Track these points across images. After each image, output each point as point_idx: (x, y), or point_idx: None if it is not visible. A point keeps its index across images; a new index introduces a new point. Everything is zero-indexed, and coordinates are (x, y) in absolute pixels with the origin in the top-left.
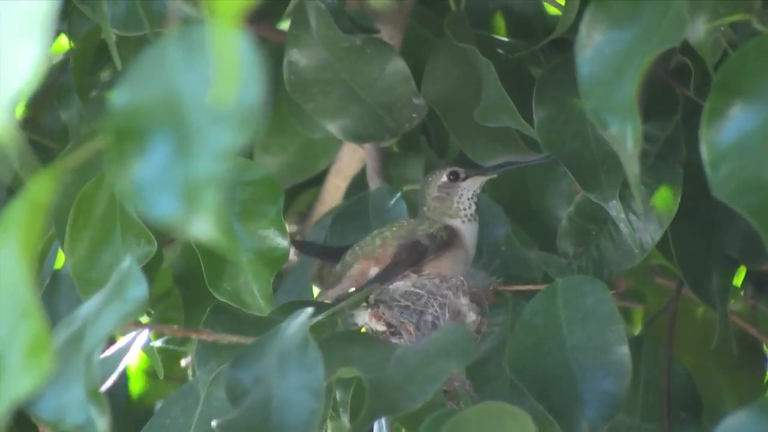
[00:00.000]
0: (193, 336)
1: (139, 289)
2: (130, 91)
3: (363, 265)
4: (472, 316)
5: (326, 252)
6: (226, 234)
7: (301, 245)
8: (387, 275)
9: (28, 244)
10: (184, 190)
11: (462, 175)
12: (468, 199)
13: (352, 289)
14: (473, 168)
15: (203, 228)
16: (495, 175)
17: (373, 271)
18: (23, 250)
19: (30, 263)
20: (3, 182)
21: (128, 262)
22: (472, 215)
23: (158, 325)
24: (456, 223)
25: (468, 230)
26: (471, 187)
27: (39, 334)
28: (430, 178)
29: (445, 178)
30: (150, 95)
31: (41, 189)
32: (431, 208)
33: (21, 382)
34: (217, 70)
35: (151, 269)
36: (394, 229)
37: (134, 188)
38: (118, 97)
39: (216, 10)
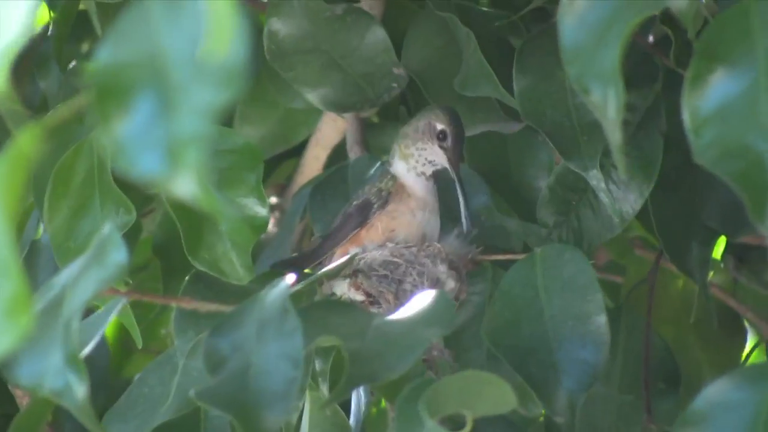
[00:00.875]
0: (172, 304)
1: (119, 255)
2: (114, 49)
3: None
4: (450, 284)
5: (312, 256)
6: (207, 192)
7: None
8: (335, 236)
9: (9, 201)
10: (167, 148)
11: (444, 143)
12: (426, 159)
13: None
14: (456, 157)
15: (186, 186)
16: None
17: (352, 249)
18: (5, 207)
19: (11, 221)
20: None
21: (108, 228)
22: (422, 173)
23: (136, 292)
24: (401, 168)
25: (415, 182)
26: (437, 158)
27: (19, 293)
28: (430, 110)
29: (438, 127)
30: (133, 52)
31: (24, 145)
32: (403, 136)
33: (0, 340)
34: (208, 26)
35: (130, 239)
36: (354, 198)
37: (118, 146)
38: (102, 55)
39: None
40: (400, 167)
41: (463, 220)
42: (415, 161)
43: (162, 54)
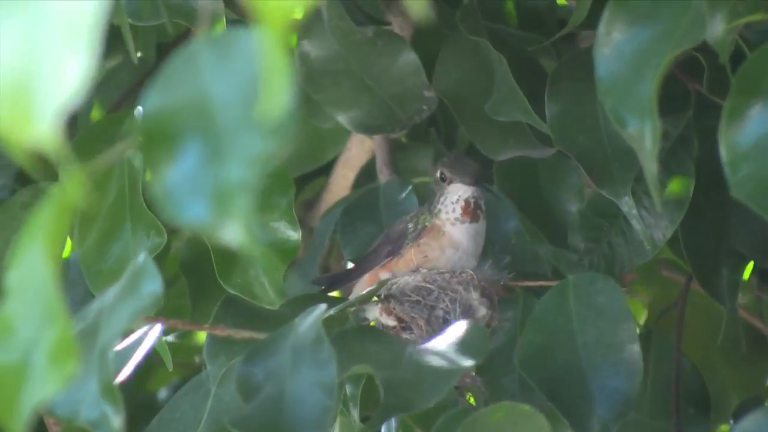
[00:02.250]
0: (208, 331)
1: (154, 284)
2: (162, 94)
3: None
4: (482, 311)
5: (347, 277)
6: (253, 241)
7: (321, 282)
8: (369, 261)
9: (54, 246)
10: (214, 196)
11: (447, 179)
12: (452, 203)
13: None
14: (461, 173)
15: (232, 234)
16: (483, 187)
17: (382, 275)
18: (50, 252)
19: (56, 266)
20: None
21: (143, 257)
22: (456, 218)
23: (171, 319)
24: (437, 222)
25: (457, 233)
26: (456, 191)
27: (65, 338)
28: (432, 167)
29: (438, 174)
30: (181, 99)
31: (70, 191)
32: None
33: (45, 385)
34: (265, 79)
35: (158, 258)
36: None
37: (165, 192)
38: (150, 100)
39: (264, 17)
40: (437, 223)
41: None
42: (446, 211)
43: (210, 100)
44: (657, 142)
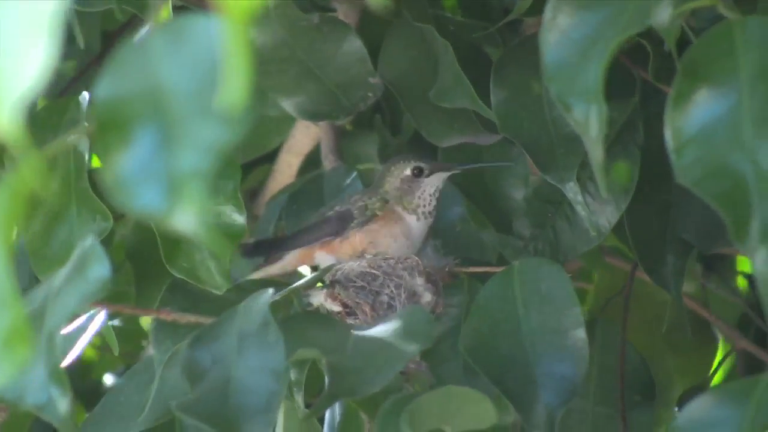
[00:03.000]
0: (152, 315)
1: (101, 269)
2: (114, 82)
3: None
4: (427, 297)
5: (276, 245)
6: (207, 228)
7: (248, 248)
8: (307, 235)
9: (7, 232)
10: (168, 183)
11: (426, 172)
12: (430, 194)
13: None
14: (435, 163)
15: (185, 222)
16: (458, 171)
17: (319, 254)
18: (2, 238)
19: (9, 252)
20: None
21: (90, 241)
22: (430, 212)
23: (116, 304)
24: (409, 218)
25: (418, 226)
26: (434, 183)
27: (18, 324)
28: (393, 168)
29: (408, 172)
30: (134, 87)
31: (24, 179)
32: (391, 196)
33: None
34: (227, 68)
35: (103, 243)
36: (336, 207)
37: (118, 180)
38: (102, 88)
39: (227, 9)
40: (409, 218)
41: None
42: (423, 204)
43: (164, 88)
44: (603, 127)
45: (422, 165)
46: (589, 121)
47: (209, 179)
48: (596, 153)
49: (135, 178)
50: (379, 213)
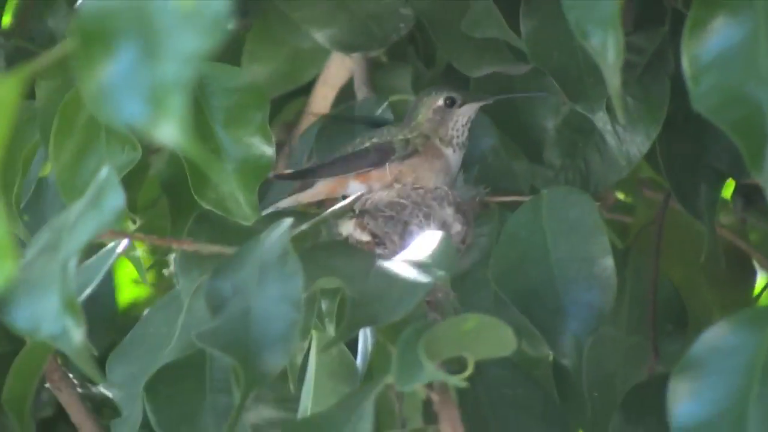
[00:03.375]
0: (174, 245)
1: (116, 199)
2: None
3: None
4: (457, 227)
5: (312, 173)
6: (192, 139)
7: (283, 177)
8: (343, 164)
9: None
10: (150, 94)
11: (458, 102)
12: (462, 125)
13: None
14: (467, 93)
15: (169, 132)
16: (490, 101)
17: (353, 184)
18: None
19: None
20: None
21: (106, 171)
22: (463, 143)
23: (138, 234)
24: (447, 151)
25: (454, 158)
26: (466, 113)
27: (3, 235)
28: (425, 98)
29: (441, 102)
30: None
31: (9, 90)
32: (426, 129)
33: None
34: None
35: (136, 177)
36: (374, 140)
37: (101, 92)
38: (86, 1)
39: None
40: (445, 149)
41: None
42: (457, 135)
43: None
44: (620, 55)
45: (454, 95)
46: (607, 48)
47: (189, 89)
48: (613, 80)
49: (118, 90)
50: (420, 149)
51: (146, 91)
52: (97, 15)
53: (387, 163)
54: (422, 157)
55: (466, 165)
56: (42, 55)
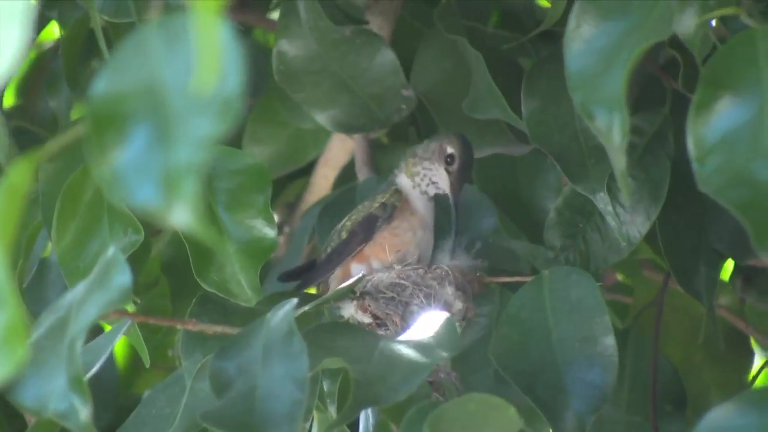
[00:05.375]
0: (179, 326)
1: (123, 278)
2: (111, 78)
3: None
4: (458, 305)
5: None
6: (204, 222)
7: (285, 276)
8: (341, 252)
9: (6, 231)
10: (163, 179)
11: (450, 167)
12: (430, 181)
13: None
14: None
15: (182, 216)
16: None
17: (354, 266)
18: (1, 237)
19: (7, 250)
20: None
21: (112, 251)
22: (423, 191)
23: (143, 315)
24: (406, 183)
25: (418, 199)
26: (442, 179)
27: (15, 322)
28: (441, 136)
29: (448, 150)
30: (130, 83)
31: (20, 175)
32: (405, 174)
33: None
34: (198, 58)
35: (139, 258)
36: (354, 213)
37: (114, 176)
38: (99, 84)
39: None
40: (404, 183)
41: (452, 247)
42: (420, 179)
43: (159, 85)
44: (625, 136)
45: (456, 156)
46: (612, 129)
47: (201, 173)
48: (619, 161)
49: (131, 174)
50: (397, 204)
51: (159, 175)
52: (110, 98)
53: (376, 233)
54: (400, 215)
55: (466, 242)
56: (51, 139)
